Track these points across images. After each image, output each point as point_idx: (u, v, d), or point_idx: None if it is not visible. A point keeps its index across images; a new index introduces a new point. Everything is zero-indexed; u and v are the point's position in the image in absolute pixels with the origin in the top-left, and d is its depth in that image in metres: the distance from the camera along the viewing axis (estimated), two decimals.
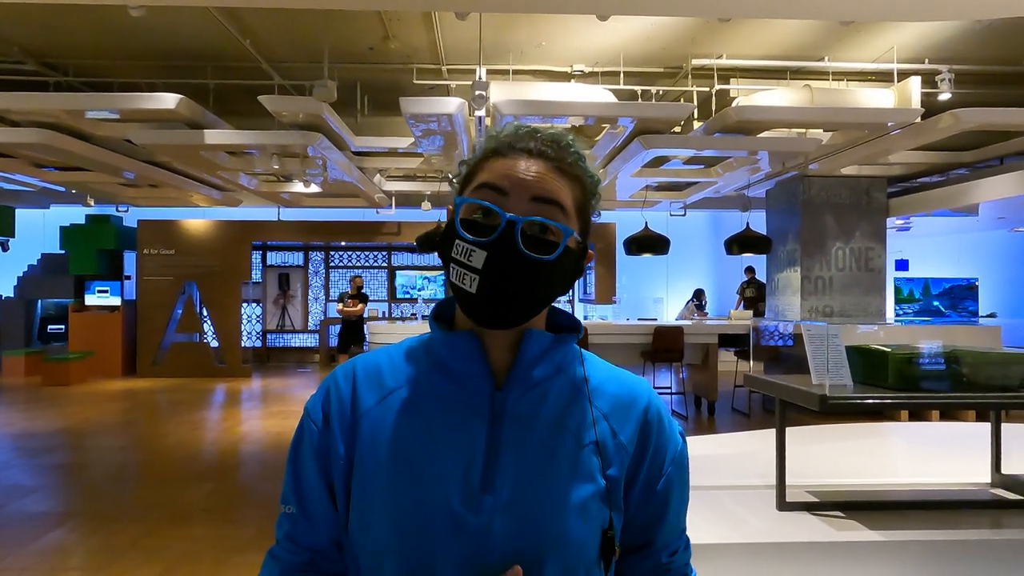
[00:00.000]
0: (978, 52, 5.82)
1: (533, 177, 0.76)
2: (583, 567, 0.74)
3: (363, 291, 10.17)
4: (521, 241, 0.73)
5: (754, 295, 10.56)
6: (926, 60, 5.93)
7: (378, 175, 8.87)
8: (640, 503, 0.81)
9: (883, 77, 6.26)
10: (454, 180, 0.85)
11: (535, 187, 0.76)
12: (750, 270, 10.87)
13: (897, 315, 8.85)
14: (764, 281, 10.15)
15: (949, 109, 5.66)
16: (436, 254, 0.79)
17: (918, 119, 5.73)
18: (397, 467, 0.76)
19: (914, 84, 5.69)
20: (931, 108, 5.88)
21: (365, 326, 9.56)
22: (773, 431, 1.96)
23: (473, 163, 0.82)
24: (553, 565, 0.73)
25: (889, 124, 5.85)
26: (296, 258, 13.35)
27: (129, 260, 11.72)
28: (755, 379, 2.13)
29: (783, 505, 1.90)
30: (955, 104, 5.92)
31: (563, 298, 0.93)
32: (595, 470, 0.77)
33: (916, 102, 5.67)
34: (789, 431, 1.93)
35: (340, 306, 9.47)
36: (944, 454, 2.64)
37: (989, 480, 2.09)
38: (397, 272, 13.27)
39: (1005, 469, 2.07)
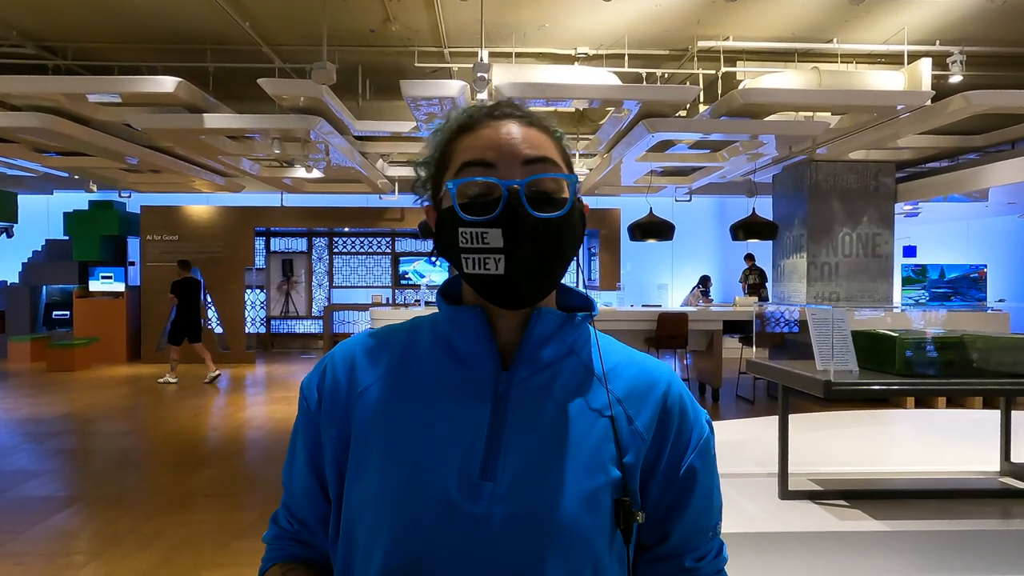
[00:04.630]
0: (991, 33, 5.70)
1: (515, 140, 0.73)
2: (590, 562, 0.69)
3: (190, 278, 8.99)
4: (529, 206, 0.70)
5: (757, 281, 10.53)
6: (937, 42, 5.82)
7: (381, 160, 8.81)
8: (657, 496, 0.75)
9: (893, 59, 6.14)
10: (420, 184, 0.81)
11: (522, 150, 0.73)
12: (750, 257, 10.82)
13: (904, 302, 8.77)
14: (763, 268, 10.26)
15: (960, 92, 5.55)
16: (435, 251, 0.78)
17: (928, 102, 5.62)
18: (391, 450, 0.72)
19: (924, 66, 5.58)
20: (942, 91, 5.77)
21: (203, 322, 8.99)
22: (776, 418, 1.91)
23: (441, 148, 0.78)
24: (556, 559, 0.67)
25: (899, 107, 5.74)
26: (300, 244, 13.33)
27: (133, 246, 11.72)
28: (758, 365, 2.09)
29: (785, 494, 1.86)
30: (966, 87, 5.80)
31: (571, 283, 0.89)
32: (607, 458, 0.72)
33: (926, 84, 5.56)
34: (793, 418, 1.89)
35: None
36: (951, 442, 2.60)
37: (998, 469, 2.04)
38: (401, 258, 13.23)
39: (1015, 457, 2.02)
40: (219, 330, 11.29)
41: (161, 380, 8.84)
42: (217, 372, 9.05)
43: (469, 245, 0.71)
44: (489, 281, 0.72)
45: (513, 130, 0.74)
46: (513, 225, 0.69)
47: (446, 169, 0.76)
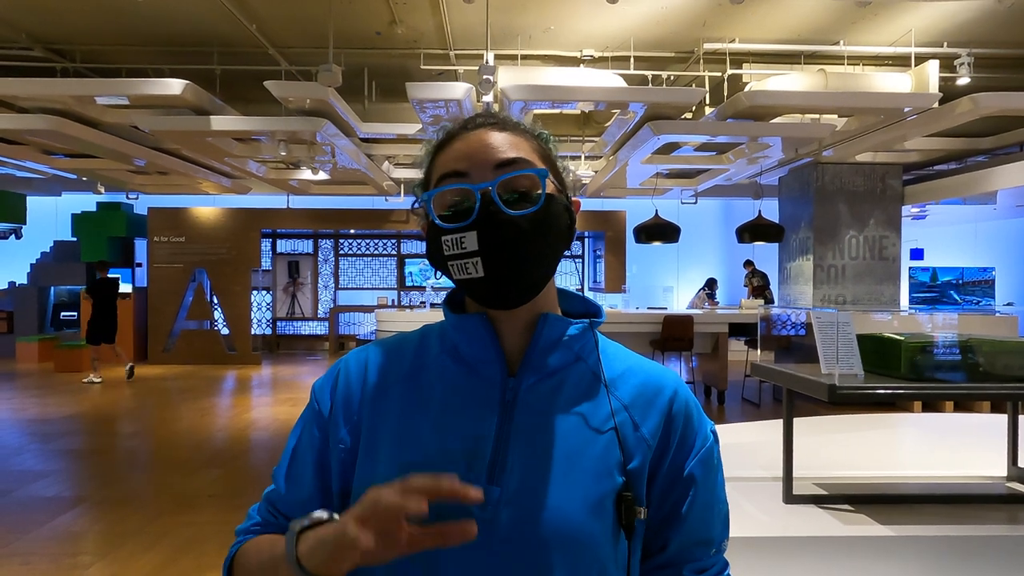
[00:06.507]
0: (998, 35, 5.67)
1: (487, 146, 0.74)
2: (596, 567, 0.69)
3: (108, 278, 9.00)
4: (503, 205, 0.71)
5: (761, 283, 10.55)
6: (944, 44, 5.79)
7: (386, 162, 8.83)
8: (659, 501, 0.75)
9: (900, 61, 6.12)
10: (415, 206, 0.82)
11: (493, 155, 0.74)
12: (749, 263, 10.85)
13: (912, 303, 8.73)
14: (764, 272, 10.48)
15: (968, 94, 5.52)
16: (429, 264, 0.80)
17: (935, 104, 5.59)
18: (399, 455, 0.73)
19: (932, 68, 5.55)
20: (949, 93, 5.74)
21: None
22: (780, 421, 1.90)
23: (426, 168, 0.80)
24: (561, 563, 0.68)
25: (906, 109, 5.72)
26: (306, 246, 13.37)
27: (140, 247, 11.78)
28: (763, 368, 2.08)
29: (790, 498, 1.85)
30: (974, 89, 5.78)
31: (574, 286, 0.89)
32: (613, 465, 0.72)
33: (934, 87, 5.54)
34: (798, 421, 1.88)
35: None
36: (958, 446, 2.58)
37: (1005, 474, 2.03)
38: (406, 260, 13.25)
39: (1022, 463, 2.01)
40: (225, 331, 11.33)
41: (85, 380, 8.83)
42: (131, 364, 9.07)
43: (452, 252, 0.72)
44: (473, 284, 0.73)
45: (485, 137, 0.75)
46: (487, 226, 0.70)
47: (429, 186, 0.78)
